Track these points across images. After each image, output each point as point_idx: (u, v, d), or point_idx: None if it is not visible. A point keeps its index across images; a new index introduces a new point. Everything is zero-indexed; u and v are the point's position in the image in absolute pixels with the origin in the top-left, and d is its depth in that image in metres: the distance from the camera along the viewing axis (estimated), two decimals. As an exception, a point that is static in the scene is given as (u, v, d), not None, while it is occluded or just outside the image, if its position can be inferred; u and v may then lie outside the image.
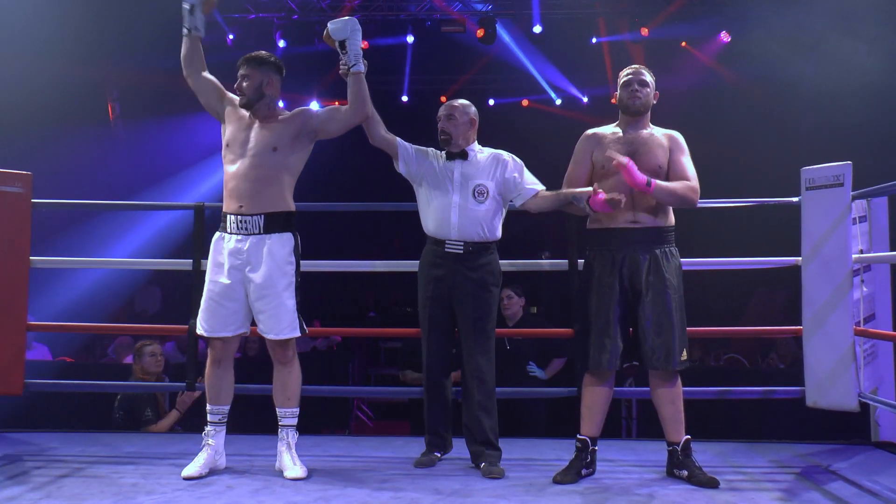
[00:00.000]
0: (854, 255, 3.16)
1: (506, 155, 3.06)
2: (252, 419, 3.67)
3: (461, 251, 2.95)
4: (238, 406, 3.43)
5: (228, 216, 2.84)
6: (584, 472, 2.82)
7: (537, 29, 8.64)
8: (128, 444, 3.35)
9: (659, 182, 2.74)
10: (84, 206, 4.22)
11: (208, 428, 2.92)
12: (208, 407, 2.95)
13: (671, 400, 2.83)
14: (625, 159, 2.70)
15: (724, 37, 8.82)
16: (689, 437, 2.82)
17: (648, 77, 2.90)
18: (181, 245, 7.48)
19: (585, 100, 10.17)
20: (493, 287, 2.99)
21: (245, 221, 2.81)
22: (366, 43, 9.36)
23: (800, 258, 3.30)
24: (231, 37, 9.15)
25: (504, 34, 9.16)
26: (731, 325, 5.76)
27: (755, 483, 2.77)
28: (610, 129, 2.94)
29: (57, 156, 7.15)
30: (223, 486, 2.69)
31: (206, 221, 3.48)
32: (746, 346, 6.18)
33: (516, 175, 3.01)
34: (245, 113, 2.89)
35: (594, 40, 9.11)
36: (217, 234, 2.89)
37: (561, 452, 3.04)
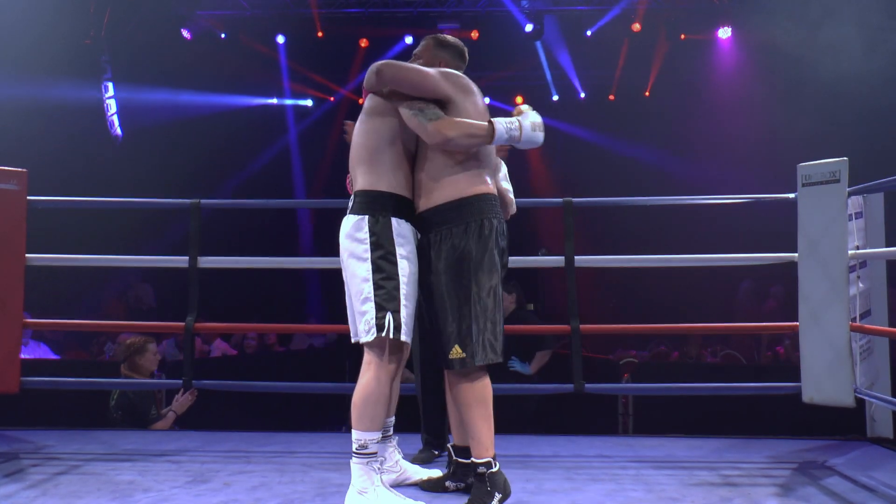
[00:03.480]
0: (850, 252, 3.16)
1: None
2: (249, 416, 3.67)
3: None
4: (235, 403, 3.43)
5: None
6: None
7: (529, 28, 8.75)
8: (125, 441, 3.34)
9: None
10: (80, 204, 4.19)
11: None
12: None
13: (460, 405, 2.38)
14: None
15: (724, 31, 8.83)
16: (488, 463, 2.33)
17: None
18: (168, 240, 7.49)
19: (583, 95, 10.17)
20: None
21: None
22: (365, 41, 9.44)
23: (796, 254, 3.30)
24: (223, 36, 9.15)
25: (501, 33, 9.18)
26: (727, 321, 5.77)
27: (752, 478, 2.77)
28: None
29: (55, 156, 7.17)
30: (220, 484, 2.68)
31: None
32: (743, 341, 6.20)
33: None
34: None
35: (588, 33, 9.15)
36: (399, 220, 2.40)
37: (557, 448, 3.05)
